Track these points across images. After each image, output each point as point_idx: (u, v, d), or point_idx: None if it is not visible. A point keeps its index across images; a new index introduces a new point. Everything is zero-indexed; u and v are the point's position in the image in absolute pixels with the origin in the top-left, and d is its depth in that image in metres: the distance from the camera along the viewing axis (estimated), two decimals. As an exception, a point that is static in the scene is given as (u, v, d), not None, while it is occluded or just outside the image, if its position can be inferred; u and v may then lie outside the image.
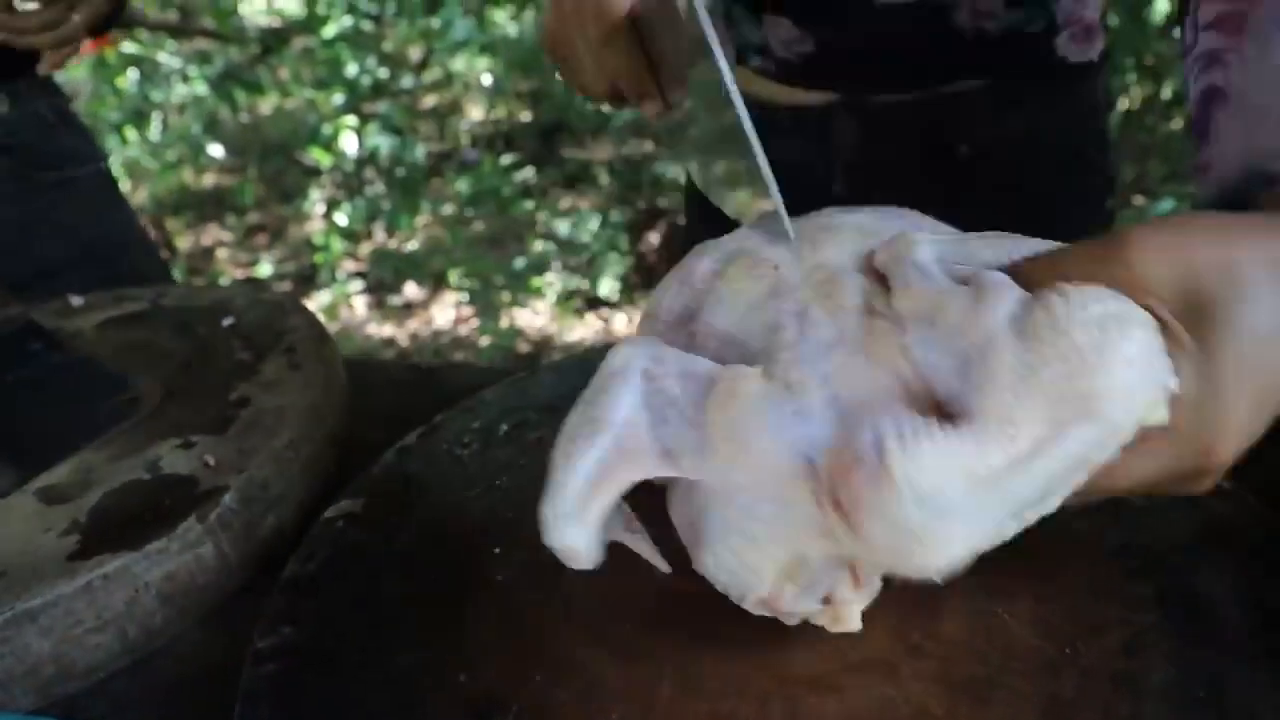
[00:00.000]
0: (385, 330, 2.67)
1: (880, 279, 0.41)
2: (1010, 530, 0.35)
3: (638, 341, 0.42)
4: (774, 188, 0.46)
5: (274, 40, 3.29)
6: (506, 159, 3.15)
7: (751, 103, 0.84)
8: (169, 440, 0.61)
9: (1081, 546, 0.47)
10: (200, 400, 0.66)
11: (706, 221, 0.92)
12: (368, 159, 3.15)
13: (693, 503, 0.39)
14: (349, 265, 2.93)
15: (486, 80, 3.49)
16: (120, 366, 0.71)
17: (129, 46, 3.32)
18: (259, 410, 0.63)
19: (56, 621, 0.50)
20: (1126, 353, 0.33)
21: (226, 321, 0.76)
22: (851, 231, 0.44)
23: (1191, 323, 0.35)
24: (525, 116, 3.55)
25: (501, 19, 3.45)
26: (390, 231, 3.02)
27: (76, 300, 0.83)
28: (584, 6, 0.52)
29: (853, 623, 0.40)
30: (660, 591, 0.45)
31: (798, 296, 0.42)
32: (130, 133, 3.36)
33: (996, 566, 0.46)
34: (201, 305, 0.79)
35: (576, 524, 0.38)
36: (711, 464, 0.38)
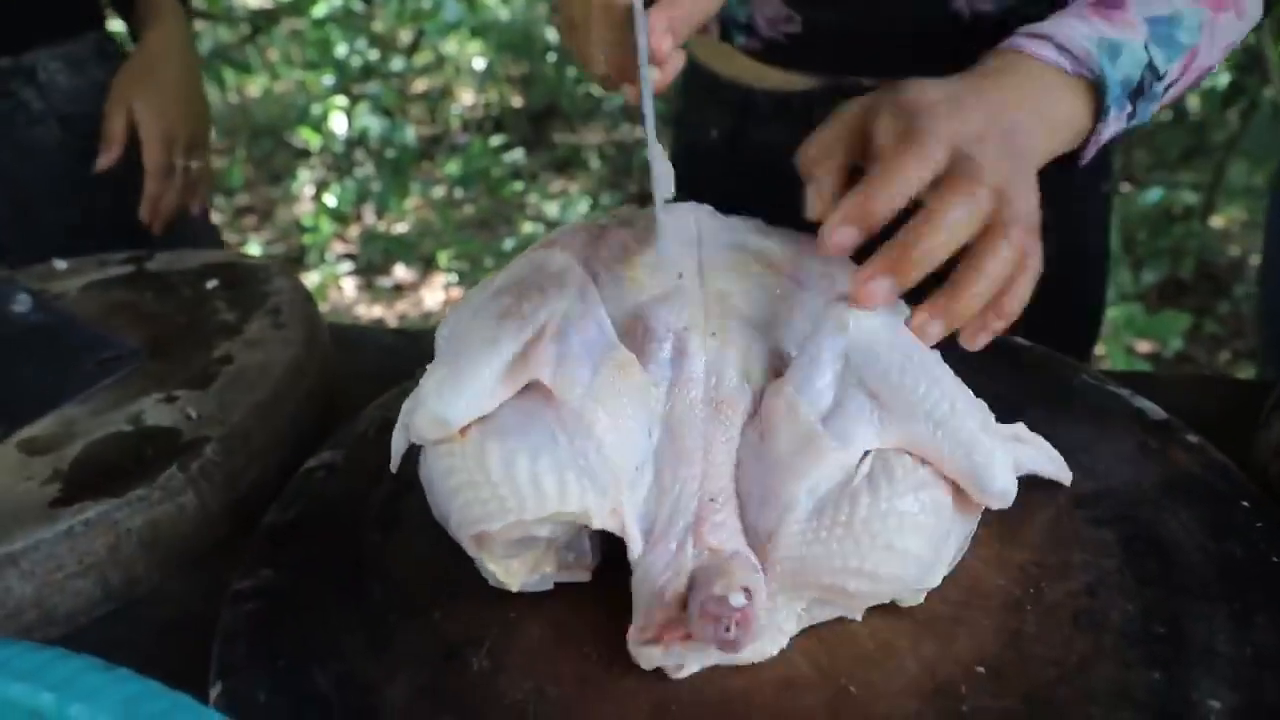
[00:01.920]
0: (374, 311, 2.66)
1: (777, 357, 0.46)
2: None
3: (575, 251, 0.47)
4: (662, 179, 0.49)
5: (263, 21, 3.27)
6: (496, 140, 3.14)
7: (734, 86, 0.84)
8: (151, 395, 0.62)
9: (1048, 496, 0.48)
10: (183, 357, 0.66)
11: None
12: (357, 140, 3.14)
13: (533, 411, 0.43)
14: (338, 247, 2.92)
15: (478, 64, 3.48)
16: (104, 327, 0.71)
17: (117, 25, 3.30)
18: (242, 367, 0.64)
19: (38, 566, 0.50)
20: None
21: (211, 284, 0.77)
22: (758, 268, 0.50)
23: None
24: (516, 101, 3.54)
25: (492, 2, 3.44)
26: (380, 213, 3.01)
27: (60, 264, 0.83)
28: None
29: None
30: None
31: (684, 316, 0.47)
32: (118, 113, 3.32)
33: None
34: (186, 269, 0.80)
35: (469, 402, 0.42)
36: (585, 405, 0.42)
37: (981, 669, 0.39)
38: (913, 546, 0.40)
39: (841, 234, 0.45)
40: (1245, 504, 0.47)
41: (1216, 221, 2.60)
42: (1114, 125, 0.55)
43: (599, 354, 0.44)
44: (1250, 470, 0.51)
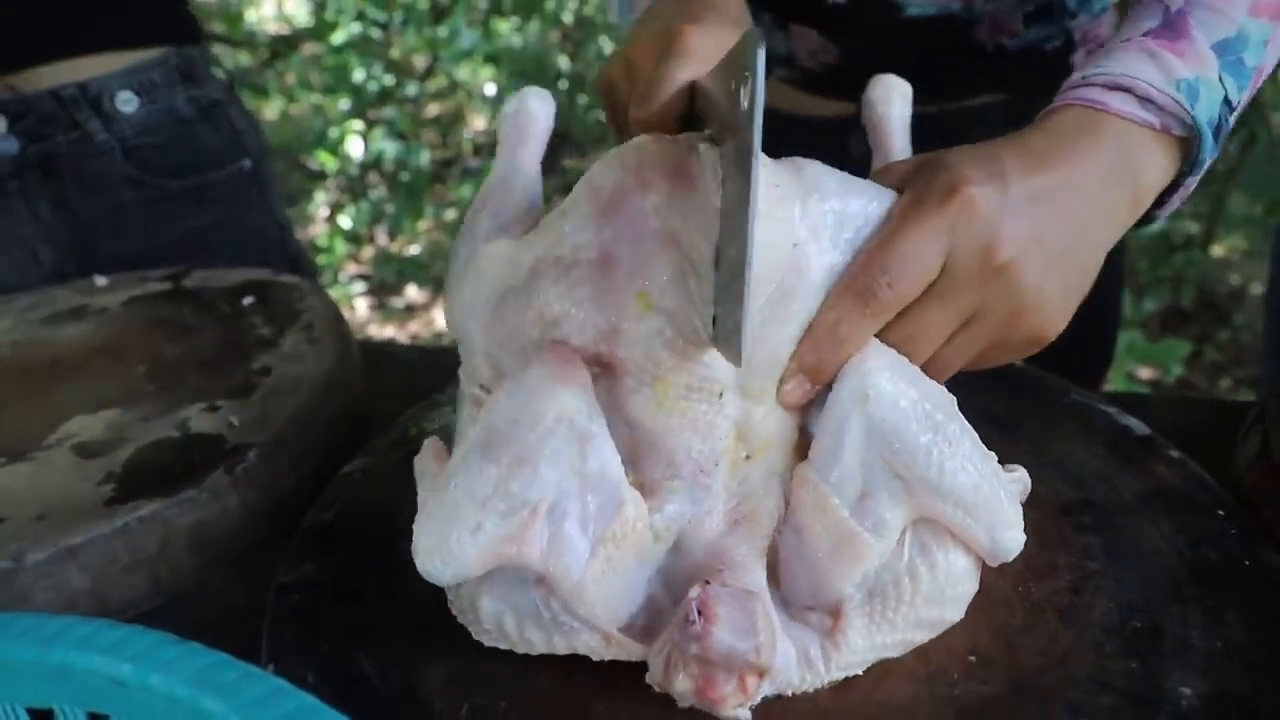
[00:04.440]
0: (387, 331, 2.71)
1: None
2: None
3: (572, 389, 0.40)
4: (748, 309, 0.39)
5: (283, 46, 3.35)
6: (509, 166, 3.20)
7: (769, 114, 0.88)
8: (196, 404, 0.66)
9: (1037, 503, 0.51)
10: (224, 369, 0.70)
11: None
12: (372, 163, 3.20)
13: (524, 580, 0.42)
14: (351, 268, 2.97)
15: (490, 90, 3.55)
16: (146, 339, 0.75)
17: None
18: (280, 379, 0.68)
19: (95, 559, 0.54)
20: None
21: (247, 301, 0.81)
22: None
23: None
24: (527, 126, 3.60)
25: (505, 30, 3.51)
26: (393, 235, 3.06)
27: (101, 280, 0.87)
28: (643, 64, 0.51)
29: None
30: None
31: (717, 448, 0.43)
32: (137, 134, 3.39)
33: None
34: (222, 286, 0.84)
35: (456, 573, 0.41)
36: (574, 593, 0.41)
37: (973, 658, 0.43)
38: (956, 614, 0.43)
39: (792, 393, 0.43)
40: (1221, 513, 0.51)
41: (1217, 251, 2.64)
42: (1199, 174, 0.50)
43: (598, 526, 0.41)
44: (1230, 483, 0.55)
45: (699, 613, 0.38)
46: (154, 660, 0.36)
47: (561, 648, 0.42)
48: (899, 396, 0.41)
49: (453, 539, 0.40)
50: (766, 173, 0.43)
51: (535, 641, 0.42)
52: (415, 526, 0.42)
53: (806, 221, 0.42)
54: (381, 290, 2.87)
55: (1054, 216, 0.44)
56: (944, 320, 0.43)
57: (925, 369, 0.44)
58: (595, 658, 0.42)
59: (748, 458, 0.43)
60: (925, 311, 0.43)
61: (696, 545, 0.43)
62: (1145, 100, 0.47)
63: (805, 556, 0.42)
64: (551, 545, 0.40)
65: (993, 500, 0.41)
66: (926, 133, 0.82)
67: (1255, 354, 2.20)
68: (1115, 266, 0.95)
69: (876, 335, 0.43)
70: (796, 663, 0.41)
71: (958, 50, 0.79)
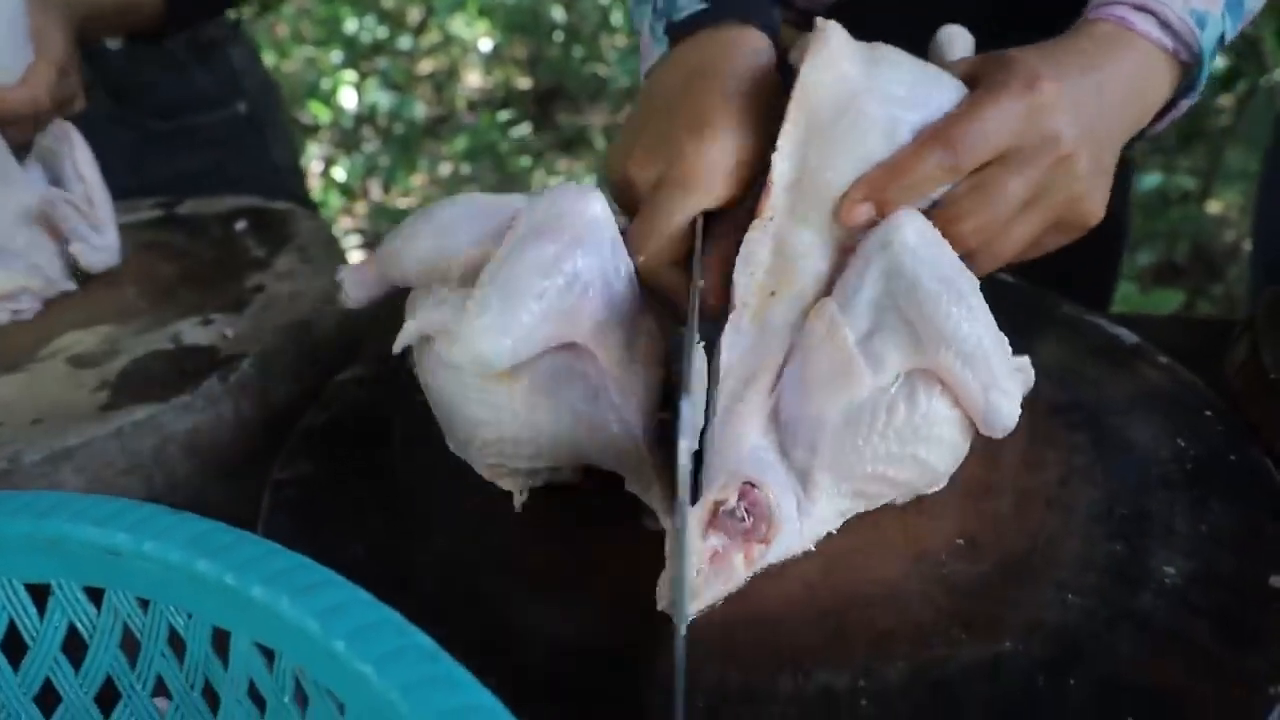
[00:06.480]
0: (381, 285, 2.70)
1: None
2: None
3: (601, 200, 0.45)
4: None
5: (273, -2, 3.30)
6: (504, 115, 3.18)
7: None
8: (190, 318, 0.66)
9: (1027, 404, 0.52)
10: (217, 287, 0.70)
11: None
12: (367, 116, 3.18)
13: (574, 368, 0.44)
14: (346, 221, 2.96)
15: (484, 45, 3.51)
16: (138, 261, 0.75)
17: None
18: (273, 295, 0.68)
19: (90, 462, 0.54)
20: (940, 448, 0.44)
21: (239, 226, 0.80)
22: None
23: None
24: (522, 83, 3.57)
25: (499, -17, 3.47)
26: (387, 188, 3.04)
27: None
28: (643, 186, 0.50)
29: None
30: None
31: (751, 283, 0.45)
32: (128, 89, 3.35)
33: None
34: (214, 213, 0.83)
35: (515, 349, 0.42)
36: (623, 364, 0.44)
37: (961, 541, 0.43)
38: (934, 459, 0.43)
39: (853, 213, 0.44)
40: (1208, 413, 0.51)
41: (1213, 207, 2.64)
42: (1193, 99, 0.53)
43: (631, 319, 0.45)
44: (1219, 390, 0.55)
45: (748, 512, 0.40)
46: (148, 529, 0.36)
47: (589, 447, 0.45)
48: (920, 248, 0.42)
49: (519, 307, 0.42)
50: (841, 39, 0.46)
51: (588, 448, 0.45)
52: (469, 305, 0.43)
53: (870, 80, 0.45)
54: (376, 244, 2.85)
55: (1098, 114, 0.48)
56: (1015, 190, 0.46)
57: (994, 245, 0.46)
58: (607, 467, 0.45)
59: (773, 294, 0.45)
60: (999, 178, 0.45)
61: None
62: (1164, 25, 0.50)
63: (802, 381, 0.43)
64: (598, 326, 0.43)
65: (994, 361, 0.42)
66: None
67: (1247, 298, 2.20)
68: (1125, 184, 0.94)
69: (961, 203, 0.45)
70: (797, 514, 0.42)
71: None
